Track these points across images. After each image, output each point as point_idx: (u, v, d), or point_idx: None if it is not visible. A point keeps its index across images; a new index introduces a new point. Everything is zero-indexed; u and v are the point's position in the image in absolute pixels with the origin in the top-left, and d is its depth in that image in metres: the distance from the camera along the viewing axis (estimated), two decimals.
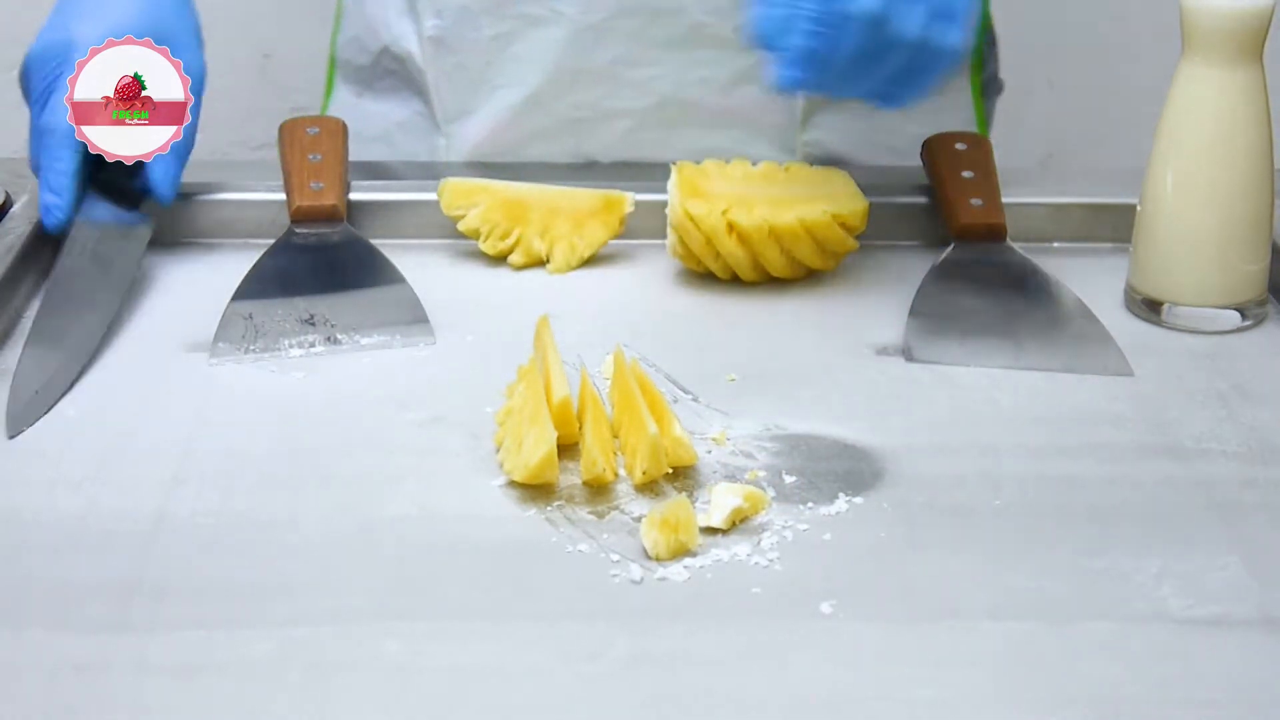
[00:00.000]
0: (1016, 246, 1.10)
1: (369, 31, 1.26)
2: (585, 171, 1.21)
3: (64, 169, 1.07)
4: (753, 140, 1.21)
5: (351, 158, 1.25)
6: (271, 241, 1.09)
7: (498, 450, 0.91)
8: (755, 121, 1.21)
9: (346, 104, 1.30)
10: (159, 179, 1.09)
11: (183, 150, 1.09)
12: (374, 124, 1.28)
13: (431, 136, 1.25)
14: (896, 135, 1.24)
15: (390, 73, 1.26)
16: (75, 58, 1.06)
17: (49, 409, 0.95)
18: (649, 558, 0.83)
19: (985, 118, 1.31)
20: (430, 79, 1.23)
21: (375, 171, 1.22)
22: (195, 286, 1.09)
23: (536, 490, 0.88)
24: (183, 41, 1.10)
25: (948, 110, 1.25)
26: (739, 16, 1.16)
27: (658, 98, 1.20)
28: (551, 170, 1.21)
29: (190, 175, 1.17)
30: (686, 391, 0.98)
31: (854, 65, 1.00)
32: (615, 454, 0.90)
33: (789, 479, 0.90)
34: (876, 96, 1.04)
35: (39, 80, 1.07)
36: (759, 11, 1.01)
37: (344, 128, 1.17)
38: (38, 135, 1.07)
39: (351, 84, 1.29)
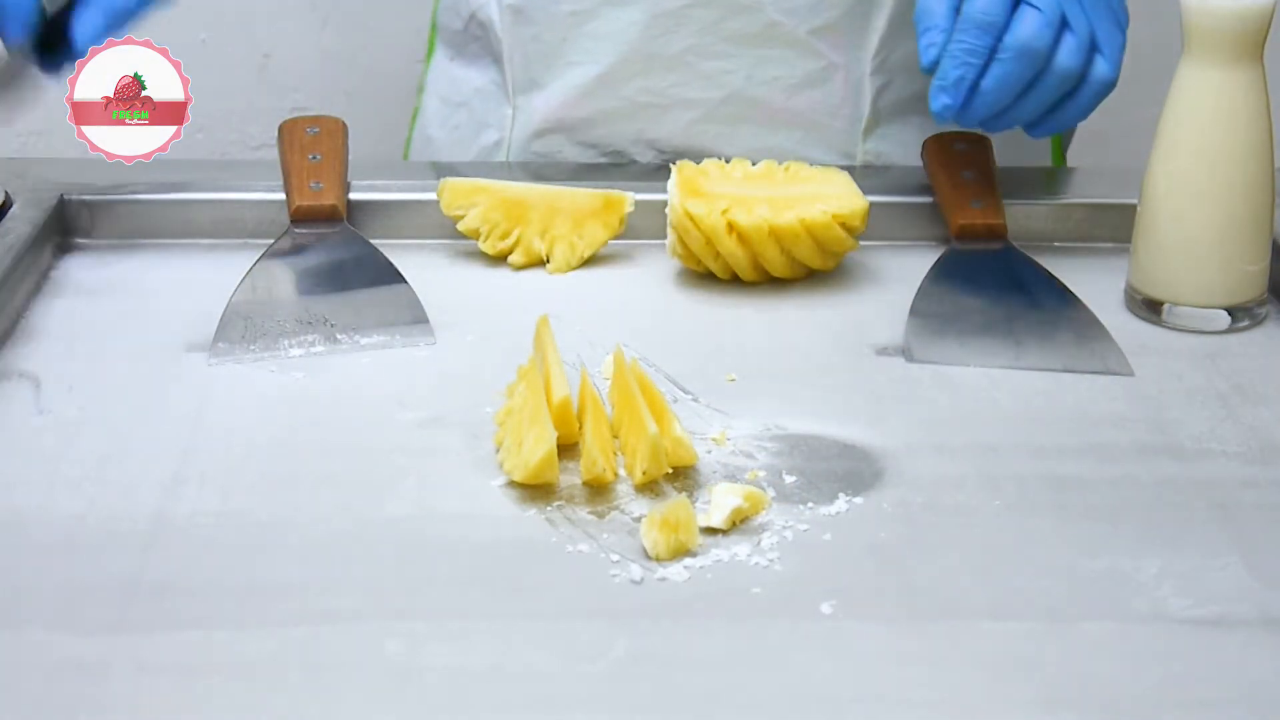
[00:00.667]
0: (1017, 246, 1.11)
1: None
2: (586, 171, 1.21)
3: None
4: (814, 143, 1.22)
5: (438, 123, 1.25)
6: (271, 241, 1.09)
7: (498, 450, 0.91)
8: (819, 125, 1.22)
9: (442, 67, 1.31)
10: (80, 26, 1.03)
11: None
12: (460, 89, 1.29)
13: (501, 107, 1.25)
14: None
15: (476, 39, 1.27)
16: None
17: None
18: (649, 558, 0.83)
19: (1063, 145, 1.32)
20: (506, 48, 1.23)
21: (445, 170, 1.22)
22: (195, 286, 1.09)
23: (536, 490, 0.88)
24: None
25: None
26: (814, 19, 1.17)
27: (726, 91, 1.20)
28: (552, 169, 1.22)
29: (190, 175, 1.17)
30: (686, 391, 0.98)
31: (1008, 95, 1.04)
32: (615, 454, 0.90)
33: (789, 479, 0.90)
34: (1027, 125, 1.08)
35: None
36: (923, 39, 1.05)
37: (344, 128, 1.17)
38: None
39: (448, 47, 1.30)
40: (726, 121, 1.21)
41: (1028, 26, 1.03)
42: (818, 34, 1.19)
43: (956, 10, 1.05)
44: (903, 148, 1.24)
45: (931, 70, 1.05)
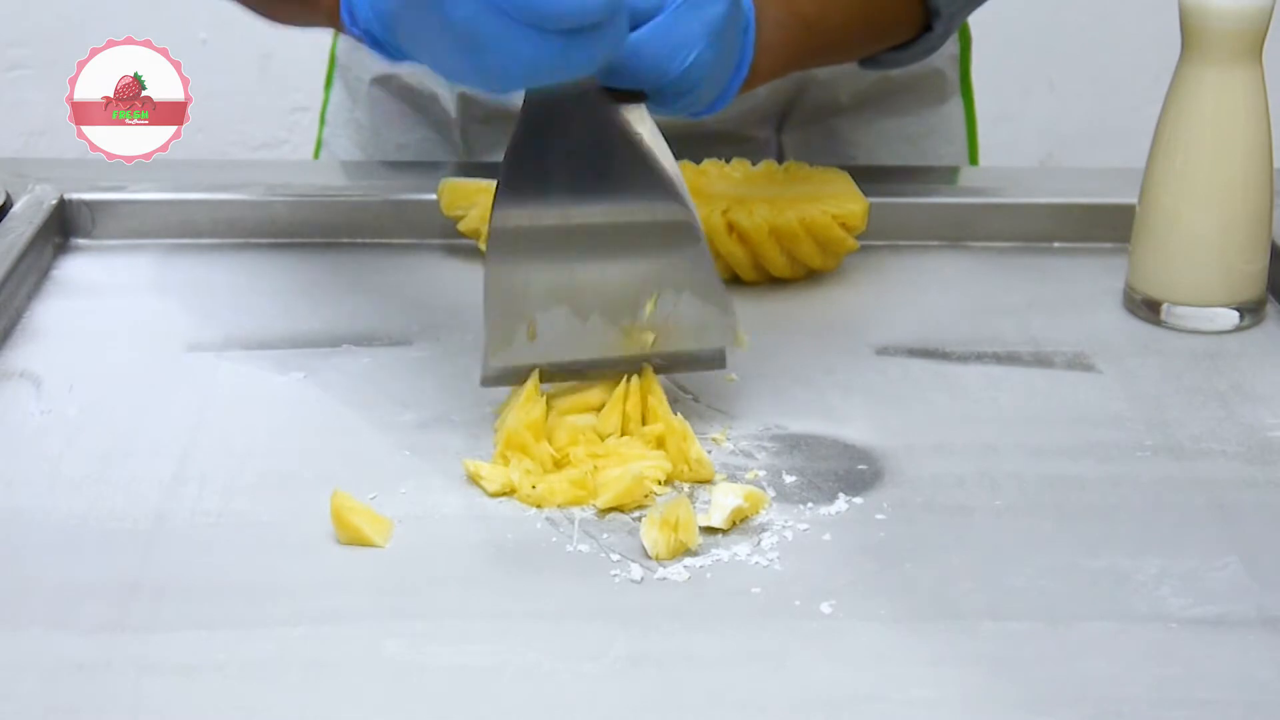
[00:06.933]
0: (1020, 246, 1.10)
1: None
2: None
3: None
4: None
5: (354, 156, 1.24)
6: (268, 242, 1.09)
7: (497, 449, 0.91)
8: (734, 134, 1.21)
9: (345, 113, 1.29)
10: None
11: None
12: (379, 142, 1.27)
13: (449, 156, 1.25)
14: (855, 150, 1.25)
15: (400, 98, 1.25)
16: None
17: None
18: (649, 557, 0.83)
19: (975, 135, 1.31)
20: (458, 123, 1.23)
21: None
22: (195, 286, 1.09)
23: None
24: None
25: (937, 134, 1.25)
26: (742, 105, 1.17)
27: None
28: None
29: (190, 175, 1.17)
30: (686, 391, 0.98)
31: None
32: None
33: (789, 479, 0.90)
34: None
35: None
36: None
37: None
38: None
39: (349, 93, 1.28)
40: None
41: None
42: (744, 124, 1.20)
43: None
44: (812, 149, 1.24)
45: None
